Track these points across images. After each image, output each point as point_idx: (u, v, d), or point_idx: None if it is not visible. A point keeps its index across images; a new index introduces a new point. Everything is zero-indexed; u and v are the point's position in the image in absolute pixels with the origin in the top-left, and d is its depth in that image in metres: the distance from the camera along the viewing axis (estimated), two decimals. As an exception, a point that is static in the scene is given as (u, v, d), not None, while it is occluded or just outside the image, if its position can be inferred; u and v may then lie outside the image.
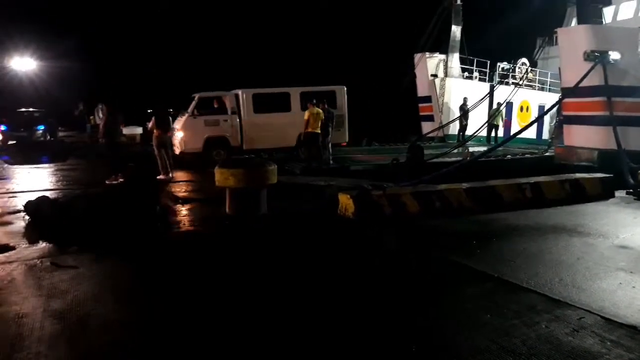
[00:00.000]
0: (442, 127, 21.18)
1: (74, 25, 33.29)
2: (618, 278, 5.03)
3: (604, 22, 15.83)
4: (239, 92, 15.48)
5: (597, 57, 13.61)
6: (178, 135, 14.63)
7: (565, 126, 15.72)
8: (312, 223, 7.51)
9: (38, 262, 5.56)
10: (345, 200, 7.75)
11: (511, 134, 23.88)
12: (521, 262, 5.56)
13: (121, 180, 11.22)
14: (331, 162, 14.64)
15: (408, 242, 6.54)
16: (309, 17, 34.82)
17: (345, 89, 16.70)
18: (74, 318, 4.08)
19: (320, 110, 13.94)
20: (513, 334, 3.78)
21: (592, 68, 13.35)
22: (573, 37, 14.76)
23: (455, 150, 16.36)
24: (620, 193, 9.75)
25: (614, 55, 13.61)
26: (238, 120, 15.28)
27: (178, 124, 14.84)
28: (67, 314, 4.16)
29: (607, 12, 19.71)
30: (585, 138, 14.40)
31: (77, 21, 34.34)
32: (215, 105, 15.36)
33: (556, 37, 19.89)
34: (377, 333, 3.86)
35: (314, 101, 13.97)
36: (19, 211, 8.07)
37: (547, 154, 17.24)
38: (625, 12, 19.83)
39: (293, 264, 5.62)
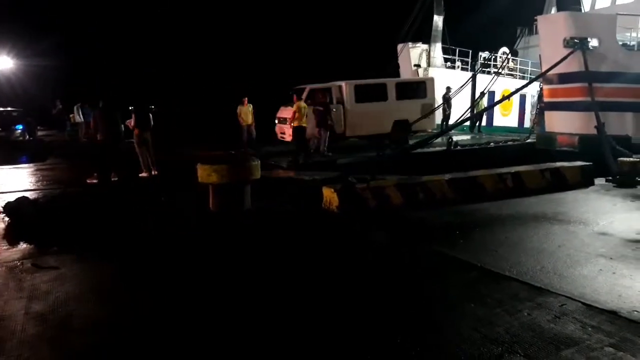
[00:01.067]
0: (426, 116, 21.25)
1: (51, 23, 32.74)
2: (598, 264, 5.12)
3: (582, 10, 16.06)
4: (343, 83, 16.75)
5: (576, 44, 13.80)
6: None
7: (546, 112, 15.95)
8: (296, 218, 7.49)
9: (18, 263, 5.48)
10: (329, 194, 7.75)
11: (493, 122, 24.24)
12: (503, 251, 5.62)
13: (98, 180, 11.04)
14: (328, 153, 14.91)
15: (392, 234, 6.56)
16: (292, 8, 34.74)
17: (434, 79, 18.54)
18: (56, 319, 4.02)
19: (306, 105, 14.03)
20: (496, 322, 3.82)
21: (569, 54, 13.54)
22: (553, 24, 15.00)
23: (439, 140, 16.51)
24: (599, 181, 9.89)
25: (593, 42, 13.83)
26: (342, 109, 16.51)
27: (287, 113, 15.63)
28: (49, 315, 4.10)
29: (585, 1, 20.07)
30: (566, 124, 14.64)
31: (54, 19, 33.76)
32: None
33: (536, 27, 20.16)
34: (361, 324, 3.87)
35: (302, 97, 14.03)
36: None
37: (528, 140, 17.45)
38: (604, 1, 20.10)
39: (276, 259, 5.59)
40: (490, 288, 4.53)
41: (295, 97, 14.16)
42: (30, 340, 3.67)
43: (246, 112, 16.88)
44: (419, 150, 14.54)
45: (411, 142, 16.08)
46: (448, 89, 21.19)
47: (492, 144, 17.21)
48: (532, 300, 4.24)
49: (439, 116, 21.79)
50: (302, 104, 13.99)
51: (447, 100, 20.98)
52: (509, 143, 17.37)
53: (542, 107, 18.19)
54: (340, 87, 16.71)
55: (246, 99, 16.91)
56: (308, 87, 16.11)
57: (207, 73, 32.33)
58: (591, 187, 9.42)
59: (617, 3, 19.91)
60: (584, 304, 4.14)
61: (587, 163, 9.95)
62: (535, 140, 16.61)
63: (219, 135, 17.64)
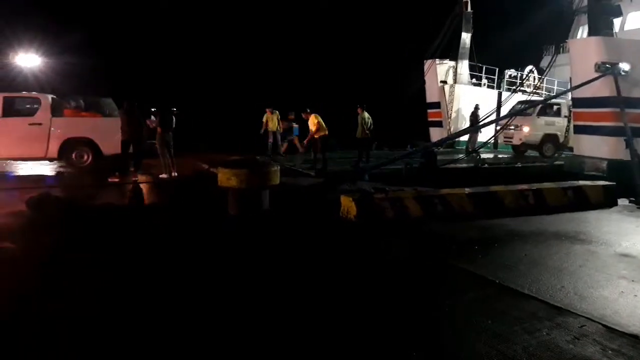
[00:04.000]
0: (456, 135, 21.11)
1: (79, 20, 33.30)
2: (620, 286, 5.02)
3: (614, 34, 15.94)
4: (563, 100, 19.02)
5: (608, 69, 13.67)
6: (524, 130, 18.99)
7: (575, 136, 15.86)
8: (313, 225, 7.49)
9: (39, 258, 5.56)
10: (347, 203, 7.74)
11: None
12: (523, 268, 5.55)
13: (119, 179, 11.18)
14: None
15: (409, 246, 6.52)
16: (318, 21, 34.88)
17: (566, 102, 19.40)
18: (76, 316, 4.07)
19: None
20: (514, 340, 3.76)
21: (599, 77, 13.42)
22: (584, 48, 14.88)
23: (467, 156, 16.69)
24: (623, 201, 9.72)
25: (625, 67, 13.68)
26: (567, 122, 18.84)
27: (524, 121, 18.69)
28: (66, 312, 4.15)
29: (615, 22, 19.85)
30: (595, 148, 14.50)
31: (82, 16, 34.33)
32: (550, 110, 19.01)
33: (563, 46, 20.04)
34: (378, 337, 3.84)
35: (308, 110, 13.93)
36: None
37: (556, 162, 17.35)
38: (633, 22, 19.86)
39: (293, 267, 5.60)
40: (508, 305, 4.47)
41: (308, 111, 13.92)
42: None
43: (272, 120, 17.28)
44: (449, 166, 14.54)
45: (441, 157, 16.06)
46: (477, 106, 21.13)
47: (519, 164, 17.19)
48: (551, 319, 4.17)
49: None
50: (318, 116, 13.70)
51: (475, 118, 20.93)
52: (536, 164, 17.30)
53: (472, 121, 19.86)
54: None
55: (271, 108, 17.33)
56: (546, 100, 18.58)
57: (232, 77, 32.62)
58: (614, 208, 9.26)
59: (625, 29, 19.75)
60: (604, 326, 4.05)
61: (610, 183, 9.80)
62: (563, 163, 16.57)
63: (241, 140, 17.85)
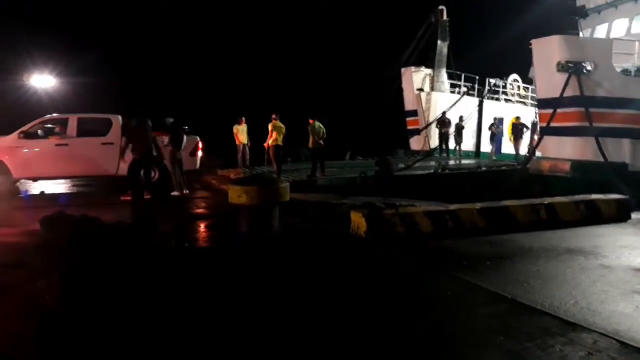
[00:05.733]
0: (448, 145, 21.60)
1: (93, 40, 33.93)
2: (634, 301, 4.95)
3: (580, 34, 15.84)
4: None
5: (570, 68, 13.55)
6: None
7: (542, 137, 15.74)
8: (324, 241, 7.50)
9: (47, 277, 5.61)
10: (357, 219, 7.74)
11: (501, 149, 24.29)
12: (535, 283, 5.50)
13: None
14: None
15: (420, 262, 6.49)
16: (296, 26, 35.46)
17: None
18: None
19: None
20: (526, 356, 3.72)
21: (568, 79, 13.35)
22: (546, 47, 14.72)
23: (433, 163, 16.95)
24: (636, 215, 9.61)
25: (588, 66, 13.59)
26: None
27: None
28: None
29: (601, 29, 20.11)
30: (559, 149, 14.44)
31: (97, 36, 34.99)
32: None
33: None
34: (388, 354, 3.82)
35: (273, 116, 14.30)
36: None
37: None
38: (618, 29, 19.83)
39: (305, 283, 5.61)
40: (520, 321, 4.42)
41: (310, 119, 14.28)
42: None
43: (242, 131, 17.11)
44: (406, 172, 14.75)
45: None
46: (461, 117, 21.32)
47: (483, 168, 17.02)
48: (565, 335, 4.12)
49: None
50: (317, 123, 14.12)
51: (458, 127, 21.41)
52: (502, 168, 17.01)
53: (493, 132, 20.91)
54: None
55: (244, 118, 17.16)
56: None
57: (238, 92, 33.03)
58: (628, 221, 9.15)
59: (611, 35, 19.75)
60: (618, 341, 3.99)
61: (624, 196, 9.70)
62: (529, 166, 16.31)
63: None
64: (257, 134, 17.05)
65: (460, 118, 21.35)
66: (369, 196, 9.14)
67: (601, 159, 12.95)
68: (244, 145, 17.16)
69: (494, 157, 21.93)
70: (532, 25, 22.51)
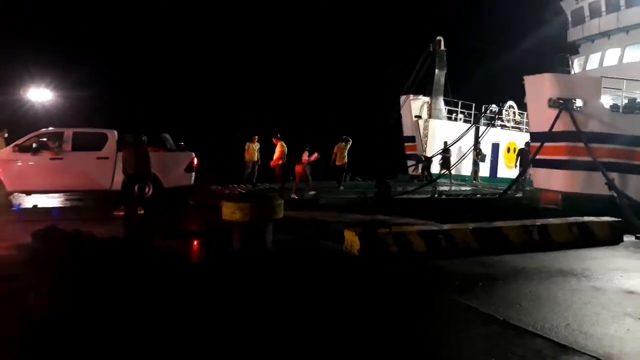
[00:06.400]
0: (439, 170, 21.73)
1: (91, 53, 34.13)
2: (625, 324, 4.95)
3: (572, 70, 16.39)
4: None
5: (561, 104, 14.06)
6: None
7: (532, 170, 16.19)
8: (317, 259, 7.48)
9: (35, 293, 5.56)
10: (351, 237, 7.73)
11: (496, 174, 24.65)
12: (527, 305, 5.49)
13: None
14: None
15: (413, 282, 6.48)
16: (302, 53, 35.91)
17: None
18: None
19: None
20: (518, 379, 3.71)
21: (558, 114, 14.05)
22: (538, 84, 15.37)
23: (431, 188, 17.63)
24: (629, 238, 9.65)
25: (578, 103, 14.12)
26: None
27: None
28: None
29: (594, 58, 20.80)
30: (551, 181, 14.95)
31: (94, 49, 35.22)
32: None
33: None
34: (379, 374, 3.80)
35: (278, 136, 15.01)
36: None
37: (517, 195, 17.47)
38: (610, 59, 20.32)
39: (296, 301, 5.58)
40: (513, 343, 4.41)
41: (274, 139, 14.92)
42: None
43: (254, 149, 17.37)
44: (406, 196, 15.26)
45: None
46: (445, 143, 21.73)
47: (478, 195, 17.59)
48: (556, 357, 4.11)
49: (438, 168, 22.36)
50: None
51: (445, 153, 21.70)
52: (496, 197, 17.29)
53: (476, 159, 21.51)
54: None
55: (257, 137, 17.48)
56: None
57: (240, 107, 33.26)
58: (620, 244, 9.19)
59: (604, 64, 20.31)
60: (610, 365, 3.99)
61: (616, 219, 9.75)
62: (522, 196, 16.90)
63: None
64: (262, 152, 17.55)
65: (445, 143, 21.74)
66: (366, 214, 9.20)
67: (592, 192, 13.48)
68: (253, 162, 17.38)
69: (474, 181, 22.86)
70: (528, 52, 23.25)
